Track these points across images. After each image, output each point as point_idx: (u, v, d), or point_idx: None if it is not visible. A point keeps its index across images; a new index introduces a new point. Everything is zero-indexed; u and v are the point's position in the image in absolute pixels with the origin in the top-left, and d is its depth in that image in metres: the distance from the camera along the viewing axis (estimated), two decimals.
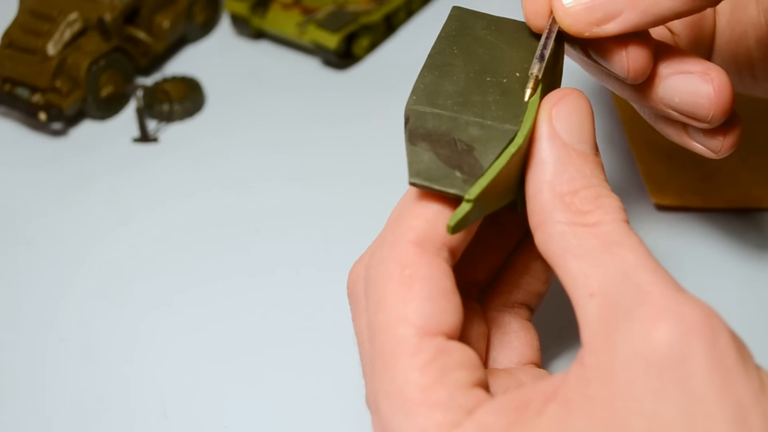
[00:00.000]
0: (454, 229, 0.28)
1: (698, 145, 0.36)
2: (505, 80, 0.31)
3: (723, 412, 0.24)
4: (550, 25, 0.32)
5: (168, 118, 0.55)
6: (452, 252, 0.30)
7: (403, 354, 0.27)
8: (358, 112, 0.55)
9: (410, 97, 0.30)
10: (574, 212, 0.28)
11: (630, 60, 0.32)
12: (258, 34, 0.60)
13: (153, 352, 0.42)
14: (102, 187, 0.51)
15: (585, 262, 0.27)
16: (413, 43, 0.59)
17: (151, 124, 0.55)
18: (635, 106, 0.38)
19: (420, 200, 0.30)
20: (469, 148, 0.29)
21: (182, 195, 0.50)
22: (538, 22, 0.32)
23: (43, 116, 0.52)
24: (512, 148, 0.29)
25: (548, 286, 0.36)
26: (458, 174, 0.29)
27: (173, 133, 0.54)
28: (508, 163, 0.29)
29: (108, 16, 0.54)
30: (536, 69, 0.30)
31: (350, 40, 0.58)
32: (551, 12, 0.32)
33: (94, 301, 0.45)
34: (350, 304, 0.32)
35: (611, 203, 0.29)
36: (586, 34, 0.31)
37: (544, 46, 0.31)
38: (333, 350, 0.42)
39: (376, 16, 0.58)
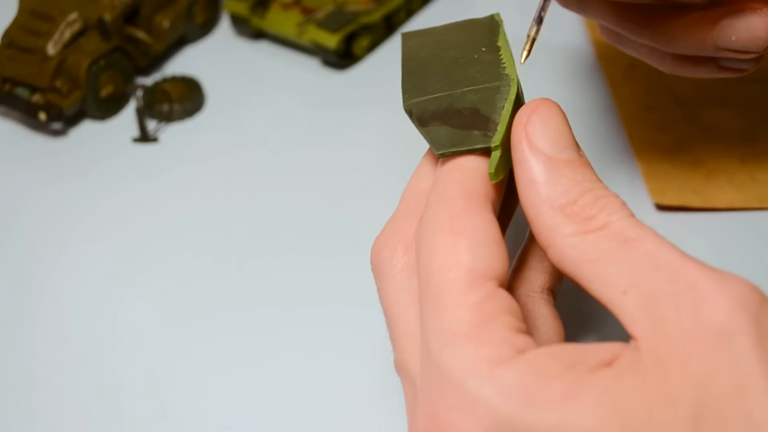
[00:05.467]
0: (495, 175, 0.30)
1: (727, 73, 0.37)
2: (476, 56, 0.34)
3: None
4: None
5: (168, 118, 0.55)
6: (492, 204, 0.30)
7: (455, 293, 0.28)
8: (358, 112, 0.55)
9: (403, 96, 0.33)
10: (579, 221, 0.28)
11: None
12: (258, 34, 0.60)
13: (153, 352, 0.42)
14: (102, 187, 0.51)
15: (606, 264, 0.27)
16: None
17: (151, 124, 0.55)
18: (652, 60, 0.39)
19: (453, 161, 0.31)
20: (474, 110, 0.32)
21: (182, 195, 0.50)
22: None
23: (43, 116, 0.52)
24: (512, 96, 0.32)
25: None
26: (476, 132, 0.31)
27: (173, 133, 0.54)
28: (513, 109, 0.31)
29: (108, 16, 0.54)
30: (533, 31, 0.32)
31: (350, 40, 0.58)
32: None
33: (94, 300, 0.45)
34: (376, 276, 0.32)
35: (612, 202, 0.29)
36: None
37: (543, 8, 0.33)
38: (333, 350, 0.42)
39: (376, 16, 0.58)
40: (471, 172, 0.30)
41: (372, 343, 0.41)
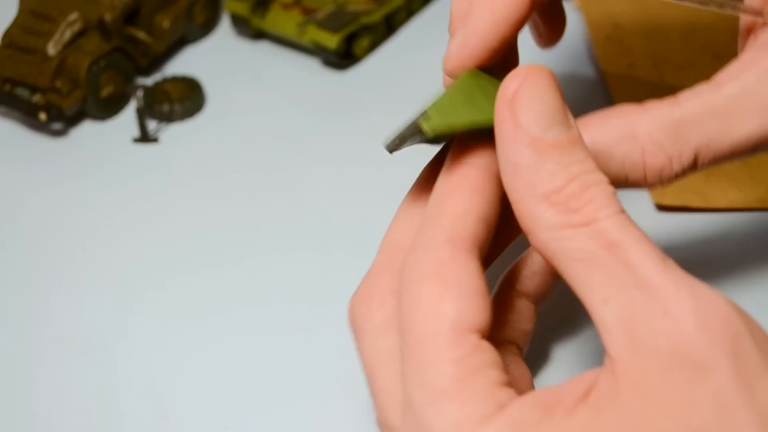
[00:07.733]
0: (427, 119, 0.28)
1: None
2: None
3: (751, 415, 0.24)
4: None
5: (168, 118, 0.55)
6: (480, 250, 0.29)
7: (438, 347, 0.27)
8: (359, 112, 0.55)
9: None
10: (564, 213, 0.27)
11: None
12: (258, 34, 0.60)
13: (153, 352, 0.42)
14: (102, 187, 0.51)
15: (589, 266, 0.26)
16: (413, 44, 0.59)
17: (151, 124, 0.55)
18: None
19: (440, 203, 0.29)
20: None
21: (182, 195, 0.50)
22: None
23: (43, 116, 0.52)
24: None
25: (534, 325, 0.36)
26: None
27: (173, 133, 0.54)
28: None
29: (108, 16, 0.54)
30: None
31: (350, 40, 0.58)
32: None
33: (94, 300, 0.45)
34: (353, 332, 0.31)
35: (600, 192, 0.27)
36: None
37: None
38: (333, 350, 0.42)
39: (377, 16, 0.58)
40: (460, 217, 0.29)
41: None
